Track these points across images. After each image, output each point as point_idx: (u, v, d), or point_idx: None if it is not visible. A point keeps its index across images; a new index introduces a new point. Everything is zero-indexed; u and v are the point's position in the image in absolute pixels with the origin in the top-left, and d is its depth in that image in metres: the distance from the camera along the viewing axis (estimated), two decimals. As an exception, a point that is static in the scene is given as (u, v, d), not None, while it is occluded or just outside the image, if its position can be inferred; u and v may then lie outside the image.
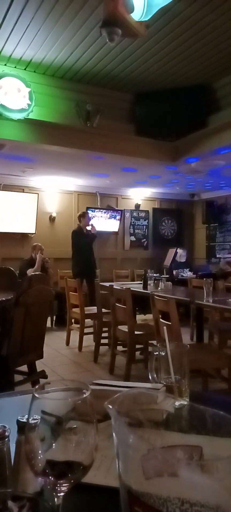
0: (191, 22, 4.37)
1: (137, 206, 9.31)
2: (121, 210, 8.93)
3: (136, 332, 4.08)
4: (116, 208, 8.92)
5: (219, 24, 4.41)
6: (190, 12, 4.19)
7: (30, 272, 5.87)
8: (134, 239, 9.28)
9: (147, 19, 2.09)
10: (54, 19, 4.28)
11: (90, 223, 6.66)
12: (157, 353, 0.88)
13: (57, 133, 5.53)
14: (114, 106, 6.05)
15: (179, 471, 0.34)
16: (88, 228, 6.57)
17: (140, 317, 6.50)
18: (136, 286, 4.92)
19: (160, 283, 4.78)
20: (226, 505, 0.34)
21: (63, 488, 0.46)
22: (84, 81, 5.82)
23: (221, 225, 9.27)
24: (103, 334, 4.99)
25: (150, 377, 0.91)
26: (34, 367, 3.44)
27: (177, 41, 4.77)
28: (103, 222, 8.55)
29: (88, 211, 7.59)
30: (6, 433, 0.60)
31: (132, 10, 2.00)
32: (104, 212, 8.68)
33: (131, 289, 4.21)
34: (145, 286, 4.77)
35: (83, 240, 6.42)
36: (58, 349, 5.32)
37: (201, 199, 9.66)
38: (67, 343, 5.57)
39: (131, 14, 2.03)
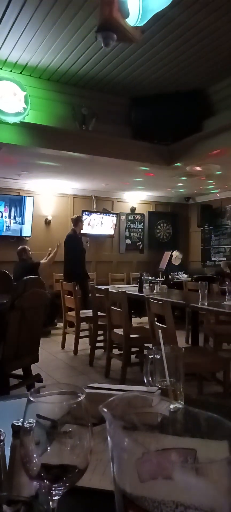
0: (186, 27, 4.40)
1: (133, 209, 9.32)
2: (117, 214, 8.94)
3: (131, 336, 4.08)
4: (112, 211, 8.93)
5: (213, 29, 4.45)
6: (185, 18, 4.22)
7: (43, 265, 6.50)
8: (130, 242, 9.29)
9: (142, 24, 2.11)
10: (50, 23, 4.30)
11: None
12: (152, 356, 0.88)
13: (53, 137, 5.53)
14: (110, 110, 6.07)
15: (174, 474, 0.34)
16: (83, 231, 6.65)
17: (135, 320, 6.49)
18: (132, 289, 4.93)
19: (156, 286, 4.78)
20: (220, 508, 0.34)
21: (58, 492, 0.46)
22: (80, 85, 5.83)
23: (216, 228, 9.31)
24: (99, 338, 4.98)
25: (145, 381, 0.91)
26: (30, 370, 3.43)
27: (172, 46, 4.80)
28: (99, 225, 8.56)
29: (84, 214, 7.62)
30: (1, 437, 0.60)
31: (127, 15, 2.02)
32: (100, 214, 8.67)
33: (127, 292, 4.21)
34: (141, 289, 4.77)
35: (78, 244, 6.44)
36: (53, 353, 5.30)
37: (196, 202, 9.70)
38: (63, 346, 5.55)
39: (126, 19, 2.04)
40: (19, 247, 6.78)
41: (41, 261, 6.60)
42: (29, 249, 6.75)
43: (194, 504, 0.34)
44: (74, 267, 6.34)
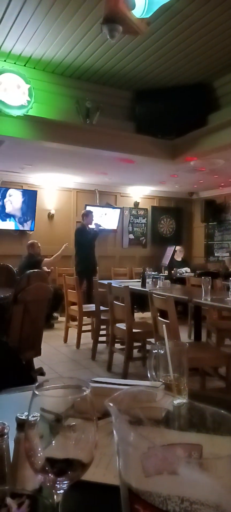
0: (192, 20, 4.35)
1: (136, 204, 9.30)
2: (120, 208, 8.92)
3: (134, 330, 4.09)
4: (115, 206, 8.91)
5: (219, 22, 4.40)
6: (191, 10, 4.17)
7: (46, 261, 6.59)
8: (133, 237, 9.28)
9: (148, 16, 2.09)
10: (55, 15, 4.27)
11: (94, 222, 6.82)
12: (156, 351, 0.88)
13: (57, 130, 5.51)
14: (114, 104, 6.04)
15: (179, 469, 0.34)
16: (92, 226, 6.71)
17: (138, 315, 6.50)
18: (134, 284, 4.92)
19: (158, 281, 4.78)
20: (226, 504, 0.34)
21: (62, 486, 0.46)
22: (84, 78, 5.80)
23: (220, 224, 9.28)
24: (102, 332, 4.99)
25: (149, 375, 0.91)
26: (32, 364, 3.44)
27: (178, 39, 4.75)
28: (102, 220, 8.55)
29: (89, 208, 7.64)
30: (5, 430, 0.60)
31: (133, 7, 2.00)
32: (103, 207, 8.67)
33: (129, 287, 4.21)
34: (143, 284, 4.77)
35: (86, 238, 6.51)
36: (56, 347, 5.32)
37: (200, 197, 9.66)
38: (65, 340, 5.57)
39: (132, 11, 2.02)
40: (28, 242, 6.86)
41: (46, 259, 6.67)
42: (39, 244, 6.76)
43: (200, 499, 0.33)
44: (81, 260, 6.45)
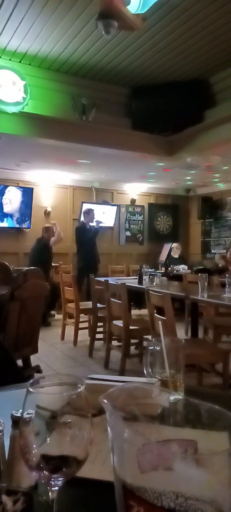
0: (188, 15, 4.34)
1: (133, 201, 9.29)
2: (117, 205, 8.91)
3: (131, 327, 4.09)
4: (112, 203, 8.90)
5: (216, 18, 4.39)
6: (187, 6, 4.16)
7: (53, 240, 6.70)
8: (129, 234, 9.28)
9: (143, 11, 2.08)
10: (50, 10, 4.24)
11: (95, 220, 6.90)
12: (152, 347, 0.88)
13: (53, 127, 5.49)
14: (111, 100, 6.02)
15: (174, 465, 0.34)
16: (93, 224, 6.74)
17: (135, 312, 6.52)
18: (131, 281, 4.93)
19: (155, 278, 4.78)
20: (221, 499, 0.34)
21: (57, 482, 0.46)
22: (80, 74, 5.78)
23: (217, 221, 9.30)
24: (99, 329, 4.99)
25: (145, 372, 0.91)
26: (29, 361, 3.44)
27: (174, 35, 4.74)
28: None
29: (86, 206, 7.64)
30: (0, 428, 0.59)
31: (128, 3, 1.99)
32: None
33: (126, 284, 4.21)
34: (140, 281, 4.77)
35: (87, 236, 6.53)
36: (53, 344, 5.32)
37: (196, 194, 9.67)
38: (62, 337, 5.57)
39: (127, 7, 2.01)
40: (44, 225, 6.98)
41: (53, 238, 6.72)
42: (54, 230, 6.82)
43: (195, 495, 0.33)
44: (82, 258, 6.48)
